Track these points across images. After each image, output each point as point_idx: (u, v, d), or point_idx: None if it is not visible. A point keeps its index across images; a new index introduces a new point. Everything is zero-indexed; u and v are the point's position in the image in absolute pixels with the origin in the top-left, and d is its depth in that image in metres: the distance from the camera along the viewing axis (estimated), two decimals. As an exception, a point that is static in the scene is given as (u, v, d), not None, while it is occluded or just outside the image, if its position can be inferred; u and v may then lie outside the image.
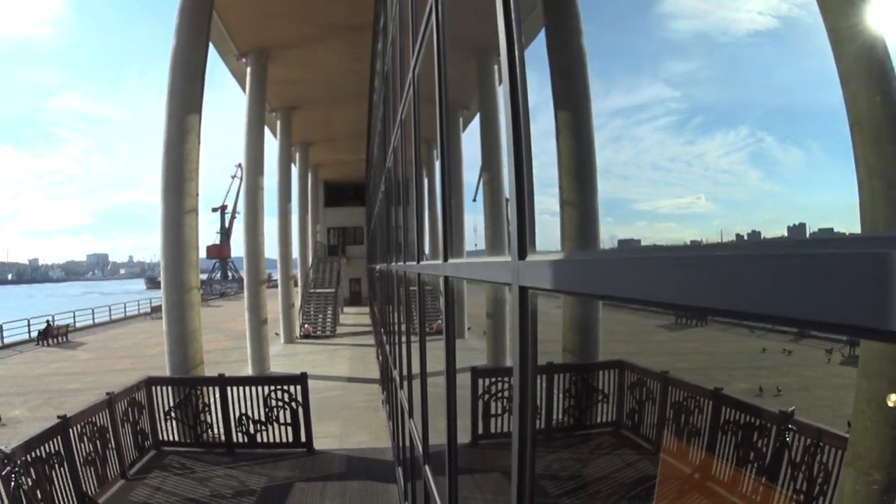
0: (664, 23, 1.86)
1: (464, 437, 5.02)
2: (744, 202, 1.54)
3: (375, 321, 27.59)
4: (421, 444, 6.42)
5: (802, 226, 1.23)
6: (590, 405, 2.79)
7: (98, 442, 10.49)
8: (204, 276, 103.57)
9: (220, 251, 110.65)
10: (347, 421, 17.23)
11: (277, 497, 10.73)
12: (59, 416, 9.64)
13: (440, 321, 5.74)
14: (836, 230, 1.14)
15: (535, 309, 2.39)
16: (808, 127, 1.21)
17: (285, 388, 13.19)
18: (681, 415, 1.98)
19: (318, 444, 13.29)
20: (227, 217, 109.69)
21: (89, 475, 10.07)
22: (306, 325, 37.61)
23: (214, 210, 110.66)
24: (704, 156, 1.64)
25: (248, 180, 25.16)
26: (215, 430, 13.19)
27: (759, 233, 1.40)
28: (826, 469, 1.25)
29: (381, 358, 20.59)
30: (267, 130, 30.14)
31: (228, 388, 13.02)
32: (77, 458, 9.76)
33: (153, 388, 12.88)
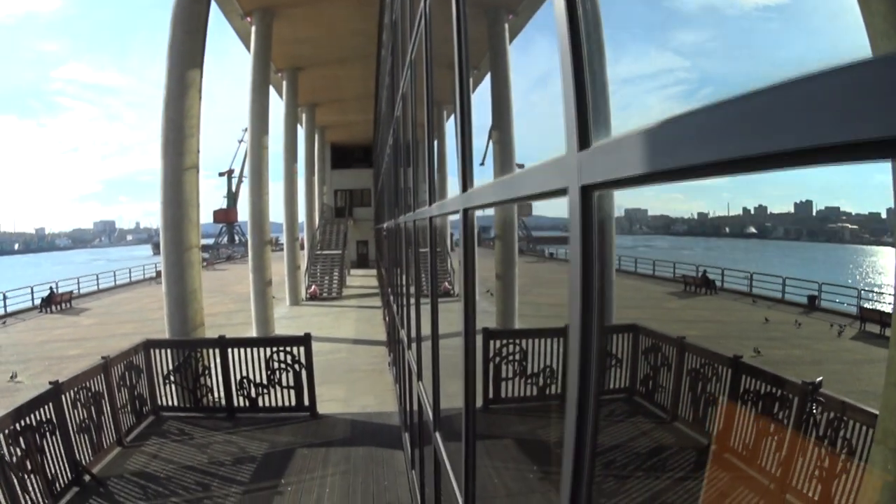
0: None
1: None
2: (751, 176, 1.33)
3: (382, 282, 27.19)
4: (431, 409, 5.84)
5: (809, 202, 1.32)
6: (602, 370, 2.36)
7: (93, 408, 10.02)
8: (210, 241, 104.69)
9: (226, 215, 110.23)
10: (352, 384, 16.77)
11: (278, 464, 10.24)
12: (50, 382, 9.15)
13: (448, 283, 5.20)
14: (842, 209, 1.20)
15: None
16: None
17: (288, 349, 12.67)
18: (697, 382, 1.93)
19: (322, 408, 12.84)
20: (234, 182, 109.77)
21: (83, 443, 9.60)
22: (313, 287, 37.18)
23: (221, 175, 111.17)
24: None
25: (253, 139, 24.47)
26: (216, 395, 12.73)
27: (765, 207, 1.48)
28: (850, 445, 1.17)
29: (387, 319, 20.16)
30: (273, 92, 29.63)
31: (229, 351, 12.50)
32: (70, 425, 9.29)
33: (151, 351, 12.38)
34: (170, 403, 12.48)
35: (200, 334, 14.64)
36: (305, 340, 12.63)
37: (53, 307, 38.29)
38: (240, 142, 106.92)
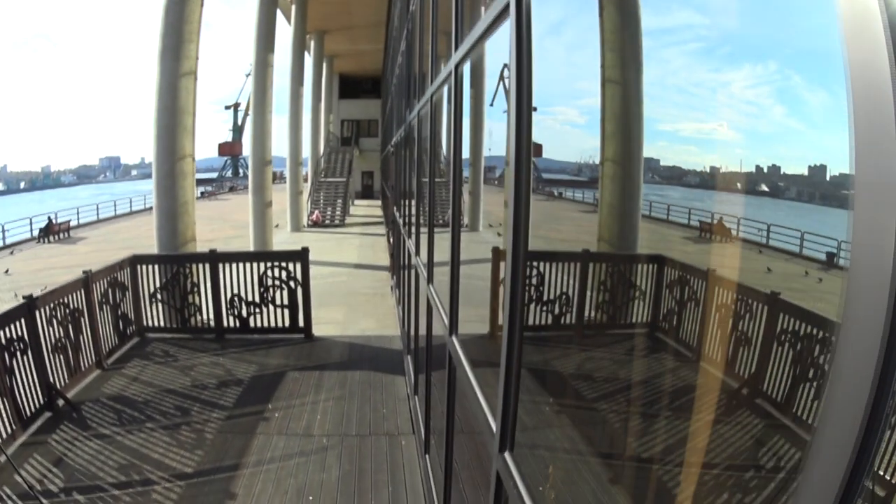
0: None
1: (481, 328, 4.85)
2: (766, 135, 1.59)
3: (387, 211, 26.53)
4: (447, 313, 4.97)
5: (824, 167, 1.33)
6: (625, 302, 2.66)
7: (70, 327, 9.19)
8: (214, 175, 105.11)
9: (231, 148, 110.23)
10: (352, 307, 15.92)
11: (266, 387, 9.44)
12: (24, 297, 8.33)
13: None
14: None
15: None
16: (838, 74, 1.03)
17: (283, 265, 11.81)
18: (728, 319, 1.81)
19: (318, 331, 12.03)
20: (241, 115, 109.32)
21: (59, 364, 8.80)
22: (315, 213, 36.32)
23: (227, 108, 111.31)
24: (730, 85, 1.70)
25: (258, 55, 23.07)
26: (204, 315, 11.93)
27: (779, 167, 1.52)
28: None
29: (392, 241, 19.45)
30: (280, 19, 28.39)
31: (220, 266, 11.61)
32: (45, 345, 8.48)
33: (138, 267, 11.50)
34: (156, 324, 11.66)
35: (191, 249, 13.71)
36: (302, 255, 11.73)
37: (51, 237, 37.68)
38: (247, 75, 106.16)
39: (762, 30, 1.54)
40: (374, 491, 6.75)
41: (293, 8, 33.02)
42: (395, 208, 16.07)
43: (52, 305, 8.82)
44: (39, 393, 8.20)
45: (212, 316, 11.74)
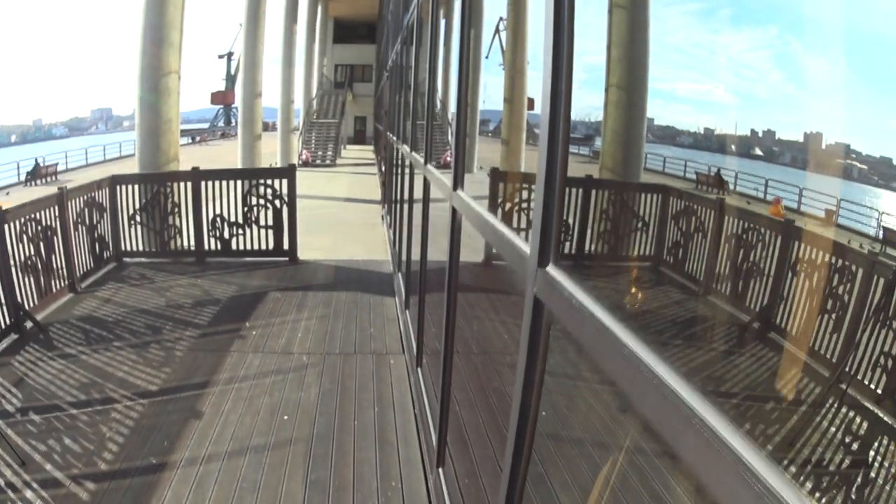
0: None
1: (475, 256, 4.81)
2: (763, 100, 1.56)
3: (379, 144, 26.13)
4: (451, 171, 4.44)
5: (819, 134, 1.31)
6: (627, 233, 2.58)
7: (42, 245, 8.61)
8: (206, 125, 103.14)
9: (224, 98, 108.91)
10: (341, 235, 15.38)
11: (245, 307, 8.90)
12: (-7, 210, 7.72)
13: (448, 157, 5.09)
14: (852, 147, 1.19)
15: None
16: (839, 45, 1.18)
17: (269, 182, 11.28)
18: (738, 250, 1.77)
19: (304, 256, 11.48)
20: (234, 64, 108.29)
21: (28, 285, 8.25)
22: (304, 153, 35.56)
23: (220, 57, 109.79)
24: (729, 47, 1.68)
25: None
26: (185, 238, 11.37)
27: (773, 132, 1.48)
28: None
29: (384, 169, 19.11)
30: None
31: (203, 185, 11.04)
32: (14, 263, 7.95)
33: (118, 188, 10.93)
34: (135, 248, 11.12)
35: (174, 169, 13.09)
36: (289, 172, 11.19)
37: (38, 181, 37.01)
38: (240, 25, 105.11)
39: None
40: (359, 410, 6.15)
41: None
42: (388, 133, 15.52)
43: (22, 220, 8.25)
44: (6, 314, 7.67)
45: (193, 239, 11.22)
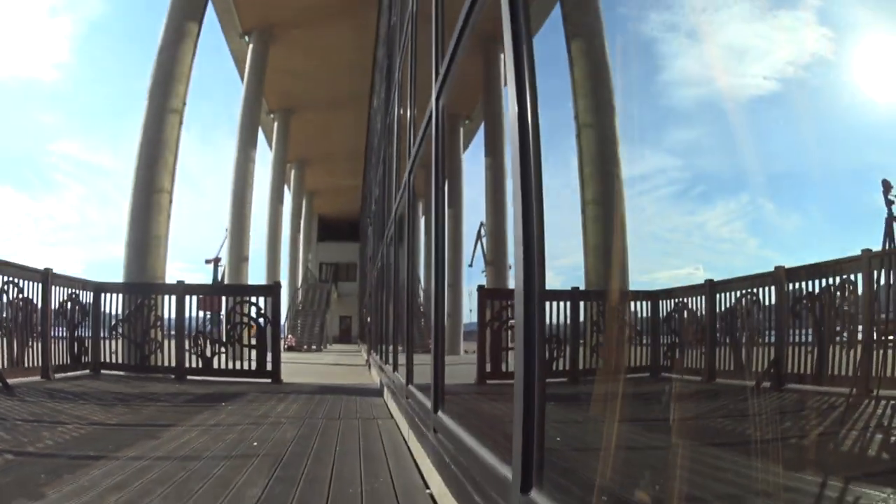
0: (668, 91, 1.97)
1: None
2: (741, 270, 1.65)
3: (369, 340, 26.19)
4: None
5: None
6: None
7: (21, 314, 8.59)
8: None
9: (210, 304, 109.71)
10: (325, 376, 15.07)
11: (222, 398, 8.36)
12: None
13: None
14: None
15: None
16: (809, 191, 1.26)
17: (253, 300, 11.18)
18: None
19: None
20: (220, 270, 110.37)
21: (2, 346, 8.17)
22: (290, 337, 35.24)
23: (207, 262, 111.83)
24: (704, 225, 1.75)
25: (240, 156, 23.05)
26: (166, 353, 11.01)
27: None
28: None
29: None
30: (262, 139, 28.82)
31: (187, 300, 11.03)
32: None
33: (102, 295, 10.90)
34: (113, 360, 10.85)
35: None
36: (273, 290, 11.22)
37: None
38: (226, 230, 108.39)
39: (733, 160, 1.61)
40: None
41: (275, 126, 33.60)
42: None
43: (4, 278, 8.19)
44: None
45: (174, 354, 10.90)
